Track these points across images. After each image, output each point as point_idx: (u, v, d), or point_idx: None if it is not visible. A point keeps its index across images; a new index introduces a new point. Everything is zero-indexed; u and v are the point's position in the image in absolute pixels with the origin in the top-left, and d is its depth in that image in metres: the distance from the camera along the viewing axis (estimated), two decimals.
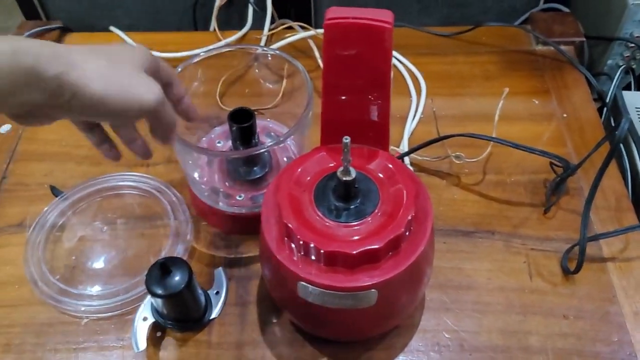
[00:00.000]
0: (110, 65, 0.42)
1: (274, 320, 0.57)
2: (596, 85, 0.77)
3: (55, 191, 0.66)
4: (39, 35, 0.87)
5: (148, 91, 0.43)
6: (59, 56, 0.39)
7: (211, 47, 0.82)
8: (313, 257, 0.45)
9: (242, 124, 0.58)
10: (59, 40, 0.87)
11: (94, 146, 0.49)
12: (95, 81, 0.40)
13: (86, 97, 0.39)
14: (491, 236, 0.63)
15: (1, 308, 0.58)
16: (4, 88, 0.36)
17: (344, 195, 0.47)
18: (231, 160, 0.64)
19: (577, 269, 0.58)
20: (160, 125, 0.46)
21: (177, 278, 0.51)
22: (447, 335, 0.56)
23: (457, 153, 0.67)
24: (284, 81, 0.69)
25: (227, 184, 0.63)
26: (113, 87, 0.41)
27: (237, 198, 0.62)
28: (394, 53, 0.81)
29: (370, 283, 0.44)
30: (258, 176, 0.63)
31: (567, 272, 0.59)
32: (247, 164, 0.63)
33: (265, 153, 0.64)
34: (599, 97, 0.77)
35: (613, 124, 0.75)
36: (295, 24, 0.82)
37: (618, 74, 0.78)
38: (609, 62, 0.81)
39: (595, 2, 0.84)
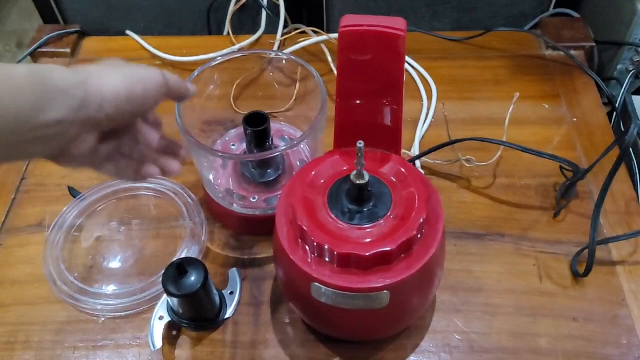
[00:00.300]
0: (118, 67, 0.44)
1: (287, 320, 0.58)
2: (606, 90, 0.77)
3: (73, 192, 0.68)
4: (58, 38, 0.88)
5: (151, 70, 0.45)
6: (75, 69, 0.40)
7: (227, 51, 0.84)
8: (327, 259, 0.46)
9: (257, 127, 0.59)
10: (76, 43, 0.89)
11: (131, 177, 0.49)
12: (115, 79, 0.42)
13: (111, 95, 0.41)
14: (501, 239, 0.63)
15: (21, 306, 0.60)
16: (26, 105, 0.37)
17: (357, 198, 0.48)
18: (245, 163, 0.65)
19: (587, 272, 0.59)
20: (174, 88, 0.48)
21: (193, 278, 0.52)
22: (457, 337, 0.56)
23: (468, 157, 0.68)
24: (297, 85, 0.70)
25: (241, 186, 0.64)
26: (130, 79, 0.43)
27: (251, 200, 0.63)
28: (406, 58, 0.82)
29: (382, 284, 0.45)
30: (272, 178, 0.64)
31: (576, 275, 0.60)
32: (261, 166, 0.64)
33: (279, 156, 0.65)
34: (609, 102, 0.78)
35: (623, 129, 0.75)
36: (308, 29, 0.83)
37: (628, 78, 0.79)
38: (619, 67, 0.81)
39: (605, 7, 0.84)
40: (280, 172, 0.65)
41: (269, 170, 0.64)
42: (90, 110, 0.40)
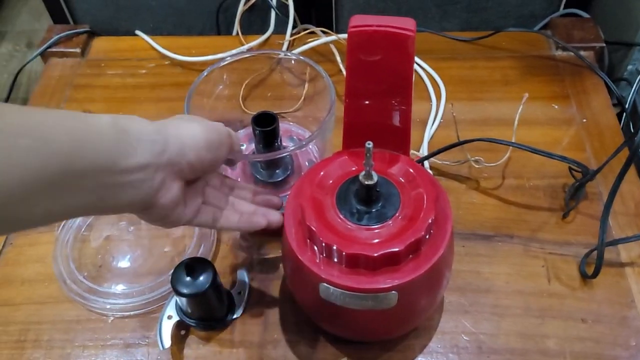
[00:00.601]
0: (191, 119, 0.48)
1: (295, 321, 0.58)
2: (616, 91, 0.77)
3: None
4: (68, 38, 0.89)
5: (219, 125, 0.49)
6: (149, 120, 0.43)
7: (236, 51, 0.84)
8: (335, 259, 0.46)
9: (266, 127, 0.60)
10: (86, 43, 0.89)
11: (233, 224, 0.52)
12: (192, 127, 0.45)
13: (191, 141, 0.44)
14: (510, 240, 0.63)
15: (31, 305, 0.60)
16: (110, 150, 0.38)
17: (366, 199, 0.48)
18: (254, 163, 0.65)
19: (595, 274, 0.58)
20: (236, 143, 0.51)
21: (201, 278, 0.52)
22: (465, 338, 0.56)
23: (477, 157, 0.68)
24: (306, 85, 0.70)
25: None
26: (206, 127, 0.46)
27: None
28: (415, 58, 0.82)
29: (390, 285, 0.45)
30: (280, 179, 0.64)
31: (585, 277, 0.60)
32: (269, 167, 0.64)
33: (288, 156, 0.65)
34: (619, 103, 0.78)
35: (632, 130, 0.75)
36: (317, 29, 0.83)
37: (638, 79, 0.78)
38: (629, 67, 0.81)
39: (616, 7, 0.84)
40: (288, 172, 0.65)
41: (277, 171, 0.64)
42: (172, 154, 0.42)
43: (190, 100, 0.58)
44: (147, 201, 0.43)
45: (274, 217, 0.52)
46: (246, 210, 0.52)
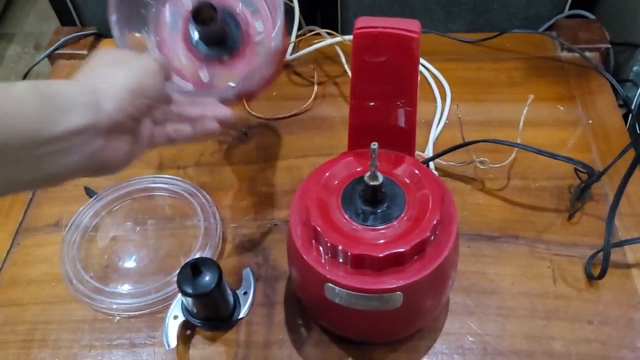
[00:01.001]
0: (115, 64, 0.43)
1: (300, 321, 0.58)
2: (621, 92, 0.77)
3: (89, 192, 0.69)
4: (75, 40, 0.90)
5: (145, 57, 0.45)
6: (77, 79, 0.40)
7: None
8: (340, 260, 0.46)
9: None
10: (93, 45, 0.90)
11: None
12: (121, 77, 0.41)
13: (125, 93, 0.41)
14: (515, 241, 0.63)
15: (38, 305, 0.61)
16: (32, 117, 0.36)
17: (371, 200, 0.48)
18: (196, 41, 0.58)
19: (602, 275, 0.58)
20: (166, 67, 0.47)
21: (207, 278, 0.53)
22: (470, 339, 0.56)
23: (482, 158, 0.68)
24: (315, 87, 0.70)
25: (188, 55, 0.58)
26: (135, 73, 0.42)
27: (203, 79, 0.57)
28: (420, 59, 0.82)
29: (395, 285, 0.45)
30: (228, 54, 0.58)
31: (591, 278, 0.59)
32: (212, 42, 0.58)
33: (232, 26, 0.58)
34: (625, 104, 0.77)
35: (638, 131, 0.75)
36: (322, 31, 0.83)
37: None
38: (635, 68, 0.81)
39: (621, 8, 0.84)
40: (237, 45, 0.58)
41: (223, 46, 0.58)
42: (109, 112, 0.39)
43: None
44: (93, 165, 0.40)
45: (223, 112, 0.50)
46: (195, 114, 0.50)
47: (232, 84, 0.55)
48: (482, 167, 0.68)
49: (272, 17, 0.58)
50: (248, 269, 0.61)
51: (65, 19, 0.93)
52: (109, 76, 0.41)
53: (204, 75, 0.58)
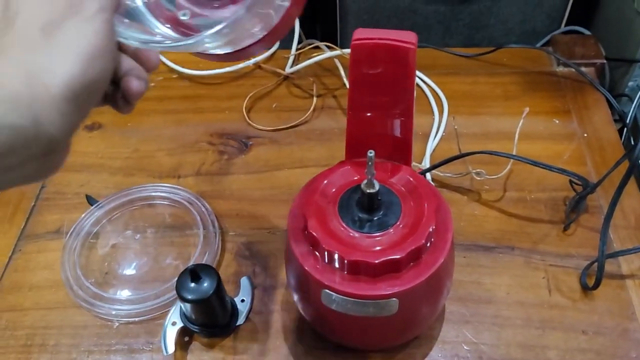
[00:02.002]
0: (48, 40, 0.30)
1: (298, 329, 0.59)
2: (617, 107, 0.78)
3: (90, 200, 0.69)
4: None
5: (99, 46, 0.32)
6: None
7: (243, 65, 0.85)
8: (337, 266, 0.47)
9: None
10: None
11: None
12: (64, 69, 0.30)
13: (59, 96, 0.30)
14: (511, 251, 0.64)
15: (38, 310, 0.61)
16: None
17: (368, 207, 0.48)
18: None
19: (596, 286, 0.59)
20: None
21: (205, 284, 0.53)
22: (466, 347, 0.57)
23: (478, 170, 0.69)
24: (314, 99, 0.71)
25: None
26: (81, 60, 0.31)
27: (181, 17, 0.41)
28: (418, 73, 0.83)
29: (391, 292, 0.46)
30: None
31: (586, 289, 0.60)
32: None
33: None
34: (620, 118, 0.78)
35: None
36: (321, 44, 0.85)
37: (639, 95, 0.79)
38: (630, 83, 0.82)
39: (617, 24, 0.85)
40: None
41: None
42: (50, 136, 0.30)
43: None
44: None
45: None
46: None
47: (256, 28, 0.40)
48: (478, 178, 0.69)
49: None
50: (246, 277, 0.62)
51: None
52: (44, 67, 0.30)
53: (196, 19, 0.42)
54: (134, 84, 0.37)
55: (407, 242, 0.46)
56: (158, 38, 0.40)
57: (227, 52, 0.40)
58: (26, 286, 0.63)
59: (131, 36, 0.36)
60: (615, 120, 0.78)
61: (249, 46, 0.39)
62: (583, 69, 0.83)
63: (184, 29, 0.41)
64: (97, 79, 0.32)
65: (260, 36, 0.38)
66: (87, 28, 0.31)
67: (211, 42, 0.37)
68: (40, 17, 0.30)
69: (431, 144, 0.75)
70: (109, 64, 0.33)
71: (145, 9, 0.40)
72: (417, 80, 0.84)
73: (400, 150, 0.54)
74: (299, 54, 0.88)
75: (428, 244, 0.48)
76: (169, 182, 0.72)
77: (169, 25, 0.41)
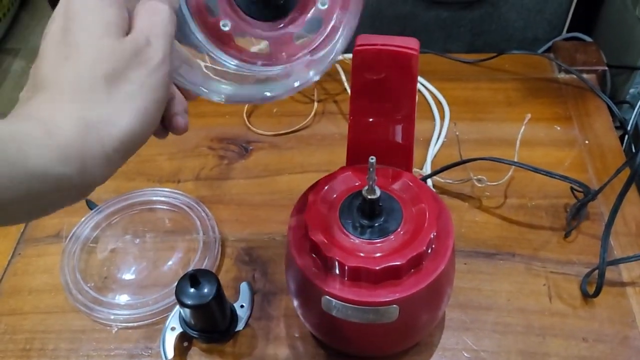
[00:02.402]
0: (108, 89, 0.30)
1: (297, 335, 0.58)
2: (618, 113, 0.78)
3: (90, 204, 0.69)
4: None
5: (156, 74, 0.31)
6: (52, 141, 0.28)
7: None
8: (337, 272, 0.47)
9: None
10: None
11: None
12: (123, 129, 0.30)
13: (110, 147, 0.29)
14: (512, 258, 0.64)
15: (37, 314, 0.61)
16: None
17: (369, 213, 0.48)
18: None
19: (597, 293, 0.59)
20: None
21: (205, 290, 0.53)
22: (466, 355, 0.57)
23: (479, 176, 0.69)
24: (315, 104, 0.71)
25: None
26: (144, 114, 0.30)
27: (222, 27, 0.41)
28: (419, 78, 0.83)
29: (392, 299, 0.46)
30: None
31: (586, 296, 0.60)
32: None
33: None
34: (621, 125, 0.78)
35: (634, 152, 0.76)
36: None
37: None
38: (631, 90, 0.82)
39: (618, 32, 0.85)
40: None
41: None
42: (95, 181, 0.30)
43: None
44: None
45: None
46: None
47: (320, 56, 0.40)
48: (479, 185, 0.69)
49: None
50: (245, 282, 0.62)
51: None
52: (103, 119, 0.29)
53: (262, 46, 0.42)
54: (181, 122, 0.37)
55: (407, 248, 0.46)
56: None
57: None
58: (25, 290, 0.63)
59: (190, 82, 0.37)
60: (617, 127, 0.78)
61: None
62: (584, 75, 0.83)
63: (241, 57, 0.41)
64: (151, 130, 0.31)
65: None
66: (151, 81, 0.31)
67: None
68: (105, 64, 0.29)
69: (432, 150, 0.75)
70: (161, 113, 0.33)
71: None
72: (419, 86, 0.84)
73: (401, 156, 0.54)
74: None
75: (429, 251, 0.47)
76: (169, 186, 0.72)
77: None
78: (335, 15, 0.39)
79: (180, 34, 0.38)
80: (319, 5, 0.40)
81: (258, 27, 0.41)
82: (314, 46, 0.40)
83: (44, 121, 0.28)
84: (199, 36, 0.41)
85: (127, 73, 0.30)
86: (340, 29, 0.39)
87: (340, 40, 0.39)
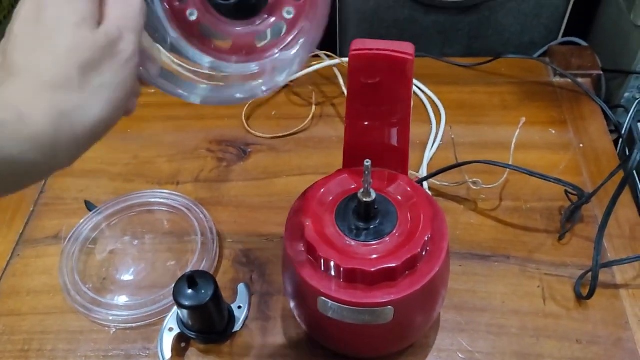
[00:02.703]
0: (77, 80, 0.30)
1: (294, 336, 0.59)
2: (612, 117, 0.78)
3: (89, 206, 0.70)
4: None
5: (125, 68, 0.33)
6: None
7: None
8: (333, 274, 0.47)
9: None
10: None
11: None
12: (93, 116, 0.31)
13: (80, 135, 0.31)
14: (506, 260, 0.64)
15: (36, 315, 0.61)
16: None
17: (364, 216, 0.49)
18: None
19: (590, 295, 0.59)
20: None
21: (203, 291, 0.53)
22: (461, 356, 0.57)
23: (475, 179, 0.69)
24: (313, 107, 0.72)
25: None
26: (111, 105, 0.32)
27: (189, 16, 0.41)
28: (416, 82, 0.84)
29: (387, 300, 0.46)
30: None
31: (580, 298, 0.60)
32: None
33: None
34: (616, 129, 0.79)
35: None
36: (321, 53, 0.85)
37: (634, 106, 0.79)
38: (626, 94, 0.83)
39: (613, 36, 0.86)
40: None
41: None
42: (63, 164, 0.31)
43: None
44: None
45: None
46: None
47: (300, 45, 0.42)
48: (474, 187, 0.70)
49: None
50: (243, 283, 0.62)
51: None
52: (75, 107, 0.30)
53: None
54: (132, 107, 0.38)
55: (403, 250, 0.47)
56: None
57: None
58: (24, 291, 0.64)
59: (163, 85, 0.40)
60: (611, 131, 0.79)
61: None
62: (579, 79, 0.84)
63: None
64: (119, 118, 0.33)
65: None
66: (122, 72, 0.32)
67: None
68: (79, 54, 0.30)
69: (428, 153, 0.75)
70: (129, 102, 0.34)
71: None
72: (415, 89, 0.84)
73: (397, 159, 0.55)
74: None
75: (424, 253, 0.48)
76: (168, 188, 0.72)
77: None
78: (299, 25, 0.42)
79: (149, 25, 0.38)
80: (285, 14, 0.42)
81: (224, 22, 0.42)
82: (278, 50, 0.43)
83: (18, 109, 0.28)
84: (166, 26, 0.42)
85: (100, 64, 0.31)
86: (302, 39, 0.42)
87: (300, 49, 0.42)
